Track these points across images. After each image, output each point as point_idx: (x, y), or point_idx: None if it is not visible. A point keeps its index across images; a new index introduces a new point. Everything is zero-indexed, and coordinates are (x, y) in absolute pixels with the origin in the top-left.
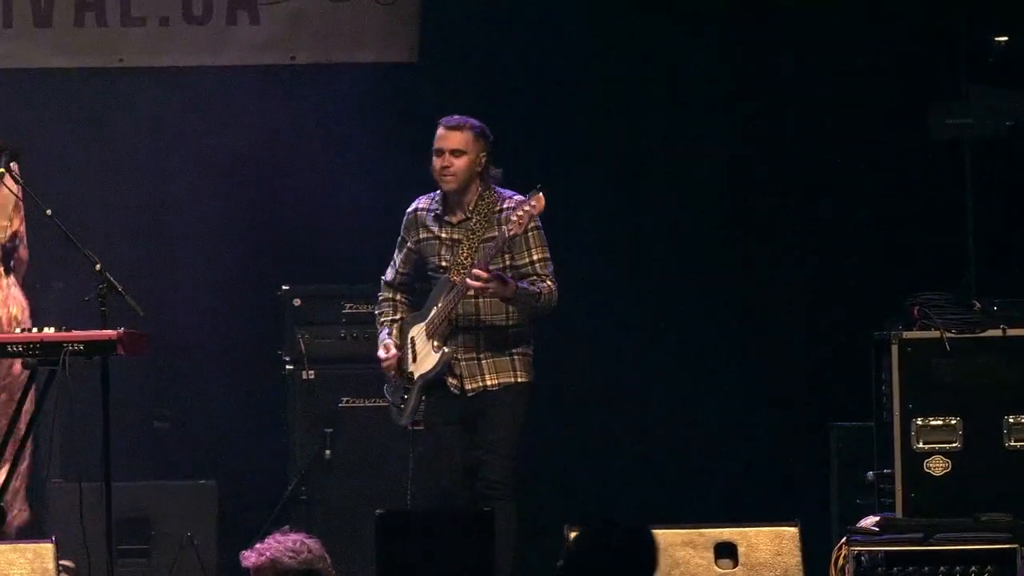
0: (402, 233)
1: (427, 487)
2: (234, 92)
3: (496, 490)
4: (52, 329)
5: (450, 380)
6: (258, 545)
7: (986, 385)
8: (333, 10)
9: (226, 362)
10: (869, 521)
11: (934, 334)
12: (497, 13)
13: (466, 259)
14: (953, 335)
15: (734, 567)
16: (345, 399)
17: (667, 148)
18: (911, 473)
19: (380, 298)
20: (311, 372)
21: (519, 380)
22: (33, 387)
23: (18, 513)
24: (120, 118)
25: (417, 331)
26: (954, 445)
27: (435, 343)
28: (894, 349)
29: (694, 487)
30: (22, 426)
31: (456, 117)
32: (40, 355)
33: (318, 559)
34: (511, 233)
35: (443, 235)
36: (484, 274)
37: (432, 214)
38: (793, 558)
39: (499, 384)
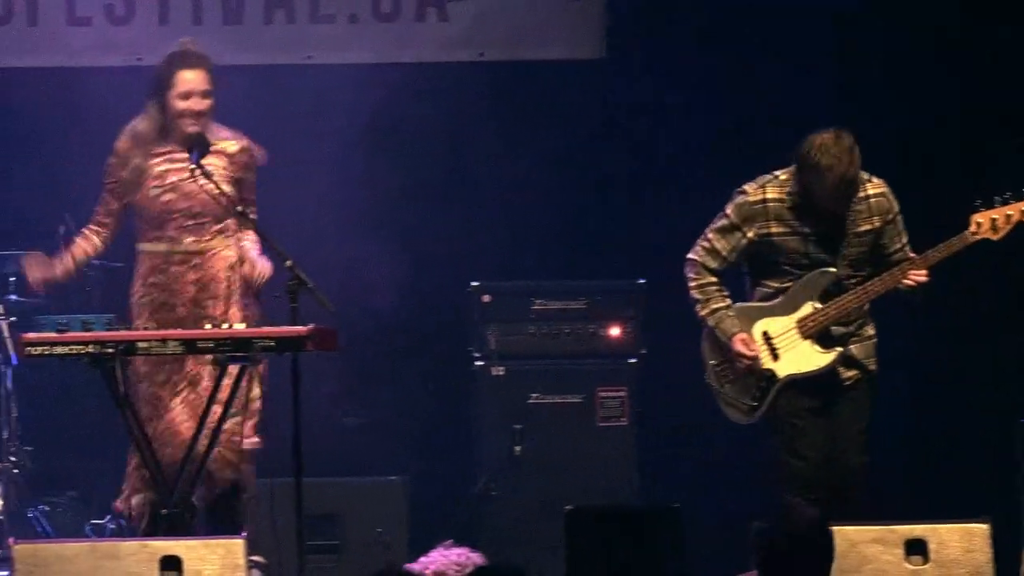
0: (734, 219)
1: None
2: (420, 88)
3: (859, 486)
4: (243, 325)
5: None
6: (422, 559)
7: None
8: (521, 7)
9: (416, 358)
10: None
11: None
12: (683, 7)
13: (849, 253)
14: None
15: (924, 564)
16: (535, 395)
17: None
18: None
19: (702, 281)
20: (501, 368)
21: (876, 369)
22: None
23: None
24: (309, 114)
25: (770, 325)
26: None
27: (817, 342)
28: None
29: (884, 485)
30: (214, 419)
31: None
32: (230, 351)
33: None
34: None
35: (807, 229)
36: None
37: (788, 206)
38: (984, 555)
39: (868, 373)
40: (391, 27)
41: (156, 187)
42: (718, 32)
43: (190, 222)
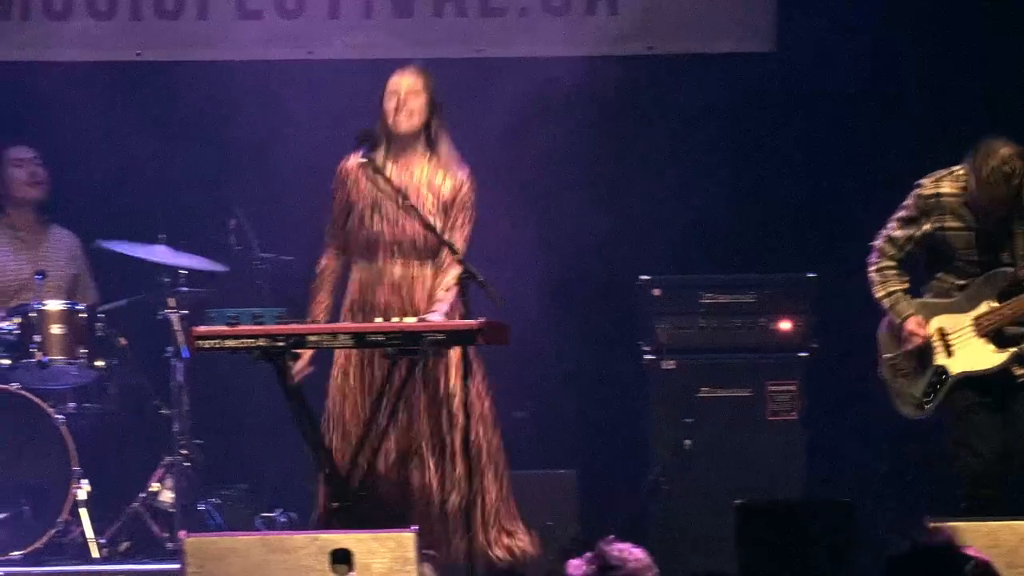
0: (912, 211)
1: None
2: (589, 82)
3: None
4: (413, 319)
5: None
6: (587, 554)
7: None
8: (690, 0)
9: (585, 352)
10: None
11: None
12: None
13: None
14: None
15: None
16: (705, 389)
17: None
18: None
19: (881, 265)
20: (671, 362)
21: None
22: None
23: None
24: (477, 107)
25: (946, 322)
26: None
27: (992, 341)
28: None
29: None
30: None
31: None
32: (401, 345)
33: (645, 568)
34: None
35: (978, 226)
36: None
37: (963, 201)
38: None
39: None
40: (561, 20)
41: (365, 210)
42: (891, 22)
43: (396, 247)
